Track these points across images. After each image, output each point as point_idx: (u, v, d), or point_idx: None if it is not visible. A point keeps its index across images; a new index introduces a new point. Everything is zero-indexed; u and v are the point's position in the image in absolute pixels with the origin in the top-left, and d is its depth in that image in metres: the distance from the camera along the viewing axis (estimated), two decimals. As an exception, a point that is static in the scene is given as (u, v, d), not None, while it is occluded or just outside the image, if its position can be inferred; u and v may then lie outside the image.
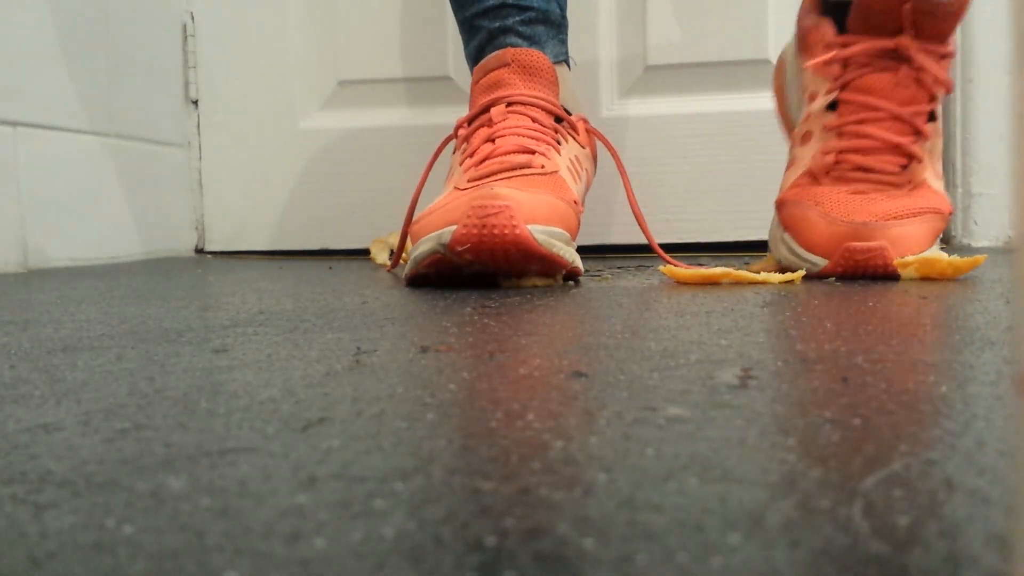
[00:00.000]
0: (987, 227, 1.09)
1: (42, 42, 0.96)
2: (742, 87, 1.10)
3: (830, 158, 0.73)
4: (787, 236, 0.73)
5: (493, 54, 0.78)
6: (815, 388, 0.29)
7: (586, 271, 0.75)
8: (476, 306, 0.54)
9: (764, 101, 1.09)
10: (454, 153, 0.79)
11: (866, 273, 0.67)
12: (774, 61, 1.09)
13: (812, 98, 0.77)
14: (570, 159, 0.76)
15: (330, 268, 0.93)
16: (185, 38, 1.22)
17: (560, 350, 0.37)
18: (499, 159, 0.71)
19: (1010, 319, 0.44)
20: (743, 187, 1.09)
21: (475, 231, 0.60)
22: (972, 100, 1.08)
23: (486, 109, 0.77)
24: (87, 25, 1.04)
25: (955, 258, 0.65)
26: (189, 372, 0.34)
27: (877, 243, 0.66)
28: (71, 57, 1.01)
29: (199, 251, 1.24)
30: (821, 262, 0.69)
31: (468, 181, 0.70)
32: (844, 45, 0.73)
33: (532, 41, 0.80)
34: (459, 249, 0.61)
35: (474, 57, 0.83)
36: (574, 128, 0.78)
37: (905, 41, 0.71)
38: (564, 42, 0.84)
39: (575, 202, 0.70)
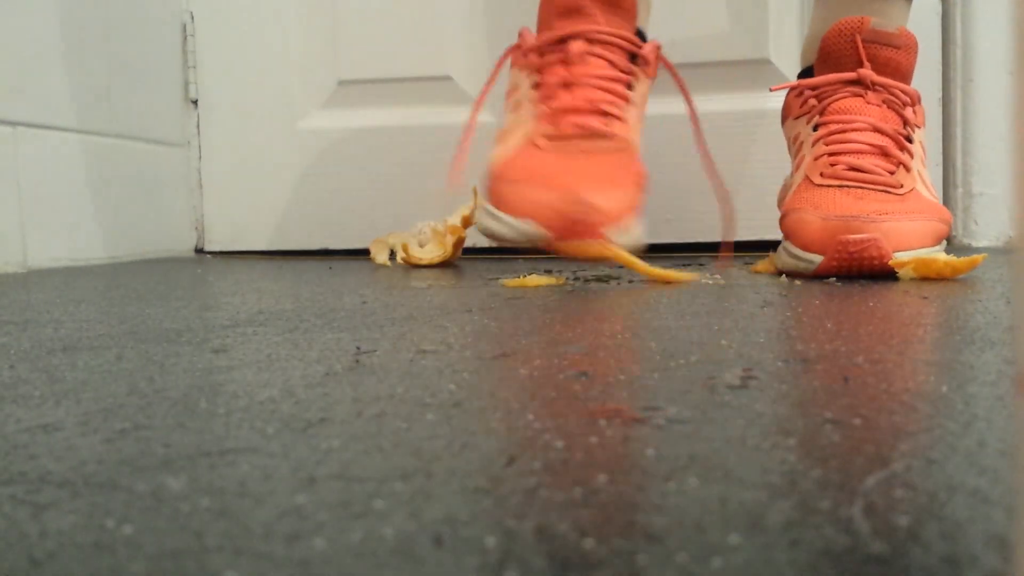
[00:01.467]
0: (987, 227, 1.08)
1: (42, 42, 0.96)
2: (742, 87, 1.10)
3: (823, 160, 0.74)
4: (787, 243, 0.74)
5: None
6: (815, 388, 0.29)
7: (587, 272, 0.75)
8: (476, 306, 0.54)
9: (764, 101, 1.09)
10: (516, 70, 0.78)
11: (862, 267, 0.67)
12: (774, 61, 1.09)
13: (796, 139, 0.80)
14: (640, 103, 0.77)
15: (330, 268, 0.93)
16: (185, 38, 1.22)
17: (560, 350, 0.37)
18: (576, 119, 0.72)
19: (1010, 319, 0.44)
20: (743, 187, 1.09)
21: (562, 233, 0.65)
22: (972, 100, 1.08)
23: (563, 40, 0.75)
24: (87, 25, 1.04)
25: (953, 258, 0.65)
26: (189, 372, 0.34)
27: (869, 235, 0.66)
28: (71, 57, 1.01)
29: (199, 251, 1.24)
30: (817, 259, 0.69)
31: (545, 138, 0.71)
32: (815, 86, 0.78)
33: None
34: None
35: None
36: (646, 61, 0.78)
37: (865, 71, 0.75)
38: None
39: (639, 174, 0.72)
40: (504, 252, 1.13)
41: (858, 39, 0.75)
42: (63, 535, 0.18)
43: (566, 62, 0.74)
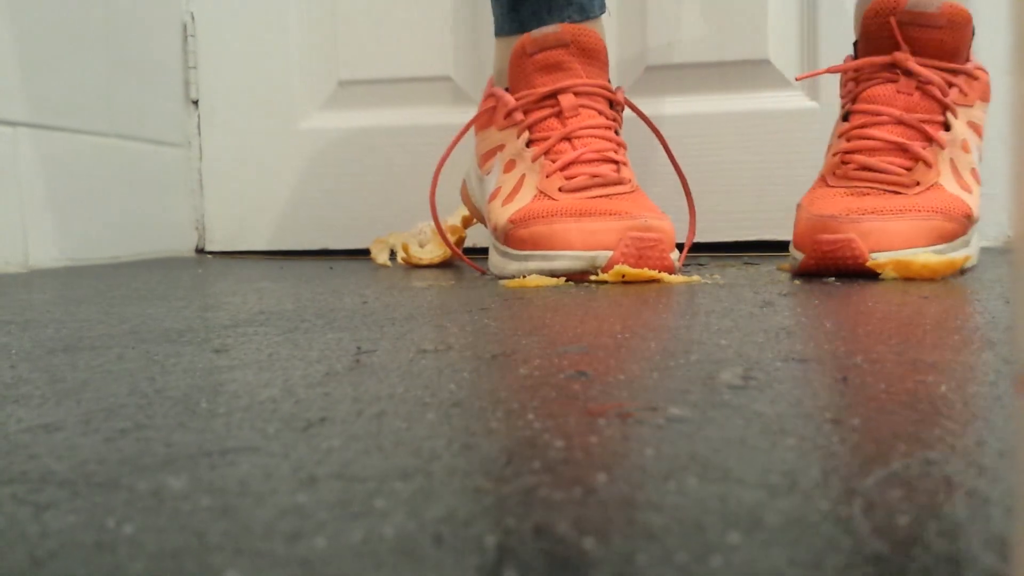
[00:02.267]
0: (987, 227, 1.08)
1: (42, 42, 0.96)
2: (742, 87, 1.10)
3: (836, 159, 0.74)
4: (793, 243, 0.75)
5: (549, 30, 0.76)
6: (814, 388, 0.29)
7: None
8: (476, 306, 0.54)
9: (764, 101, 1.09)
10: (495, 131, 0.78)
11: (837, 266, 0.67)
12: (774, 61, 1.09)
13: (833, 133, 0.80)
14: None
15: (330, 268, 0.93)
16: (185, 38, 1.22)
17: (560, 350, 0.37)
18: (587, 169, 0.73)
19: (1009, 319, 0.44)
20: (742, 187, 1.09)
21: (632, 260, 0.67)
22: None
23: (551, 96, 0.76)
24: (87, 25, 1.04)
25: (932, 259, 0.64)
26: (189, 372, 0.34)
27: (844, 235, 0.66)
28: (71, 57, 1.01)
29: (199, 251, 1.24)
30: (799, 256, 0.70)
31: (560, 191, 0.72)
32: (848, 71, 0.77)
33: None
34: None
35: (510, 6, 0.81)
36: (620, 106, 0.79)
37: (900, 55, 0.74)
38: None
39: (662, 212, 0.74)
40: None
41: (892, 21, 0.74)
42: (64, 534, 0.18)
43: (560, 116, 0.76)
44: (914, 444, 0.23)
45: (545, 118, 0.76)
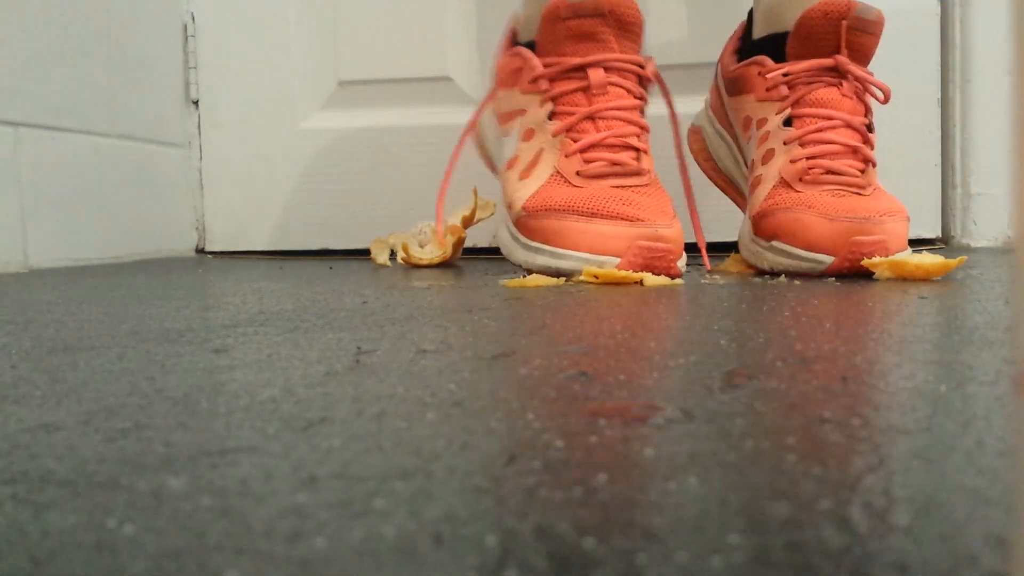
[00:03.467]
0: (987, 227, 1.09)
1: (42, 42, 0.96)
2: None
3: (800, 164, 0.74)
4: (778, 243, 0.73)
5: None
6: (814, 388, 0.29)
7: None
8: (476, 306, 0.54)
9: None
10: (518, 93, 0.76)
11: (861, 266, 0.69)
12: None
13: (760, 124, 0.78)
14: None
15: (330, 268, 0.93)
16: (185, 38, 1.22)
17: (560, 350, 0.37)
18: (607, 155, 0.72)
19: (1009, 319, 0.44)
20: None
21: (638, 269, 0.67)
22: (972, 100, 1.08)
23: (579, 68, 0.73)
24: (87, 25, 1.04)
25: (926, 260, 0.65)
26: (190, 372, 0.34)
27: (879, 236, 0.68)
28: (71, 57, 1.01)
29: (199, 251, 1.24)
30: (826, 259, 0.70)
31: (578, 175, 0.71)
32: (787, 72, 0.76)
33: None
34: None
35: None
36: (650, 80, 0.77)
37: (843, 59, 0.75)
38: None
39: (672, 204, 0.74)
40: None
41: (843, 25, 0.74)
42: (64, 534, 0.18)
43: (586, 91, 0.73)
44: (913, 444, 0.23)
45: (571, 92, 0.73)
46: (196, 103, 1.23)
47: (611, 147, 0.73)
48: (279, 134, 1.20)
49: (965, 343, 0.38)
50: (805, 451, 0.22)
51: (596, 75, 0.73)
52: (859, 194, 0.72)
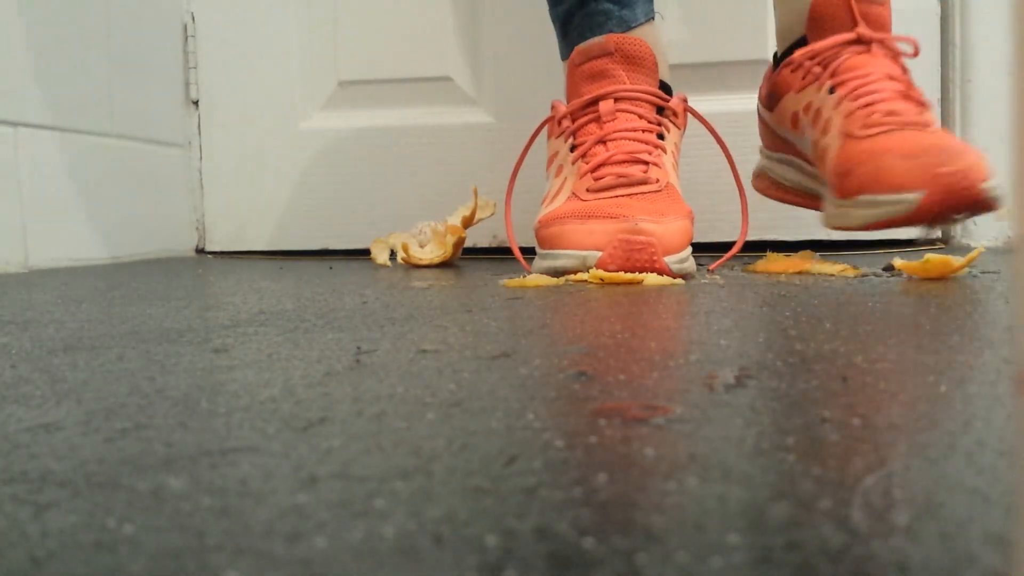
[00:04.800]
0: (987, 227, 1.09)
1: (42, 42, 0.96)
2: (742, 87, 1.10)
3: (860, 113, 0.73)
4: (864, 196, 0.70)
5: (595, 41, 0.79)
6: (815, 388, 0.29)
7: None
8: (476, 306, 0.54)
9: (764, 101, 1.09)
10: (553, 139, 0.82)
11: (962, 201, 0.67)
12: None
13: (807, 109, 0.80)
14: (672, 151, 0.80)
15: (330, 268, 0.93)
16: (185, 38, 1.22)
17: (560, 350, 0.37)
18: (616, 169, 0.75)
19: (1009, 319, 0.44)
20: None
21: (619, 261, 0.68)
22: (972, 100, 1.08)
23: (593, 103, 0.79)
24: (87, 25, 1.04)
25: (950, 258, 0.66)
26: (190, 372, 0.34)
27: (962, 166, 0.66)
28: (71, 57, 1.01)
29: (199, 251, 1.24)
30: (913, 196, 0.67)
31: (588, 191, 0.74)
32: (813, 53, 0.79)
33: (622, 5, 0.81)
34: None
35: (562, 20, 0.84)
36: (674, 112, 0.81)
37: (863, 29, 0.77)
38: None
39: (689, 212, 0.75)
40: (504, 252, 1.13)
41: (852, 1, 0.77)
42: (64, 534, 0.18)
43: (599, 121, 0.78)
44: (914, 444, 0.23)
45: (586, 123, 0.79)
46: (196, 103, 1.23)
47: (619, 163, 0.76)
48: (279, 134, 1.20)
49: (966, 343, 0.38)
50: (805, 451, 0.22)
51: (606, 105, 0.78)
52: (923, 131, 0.71)
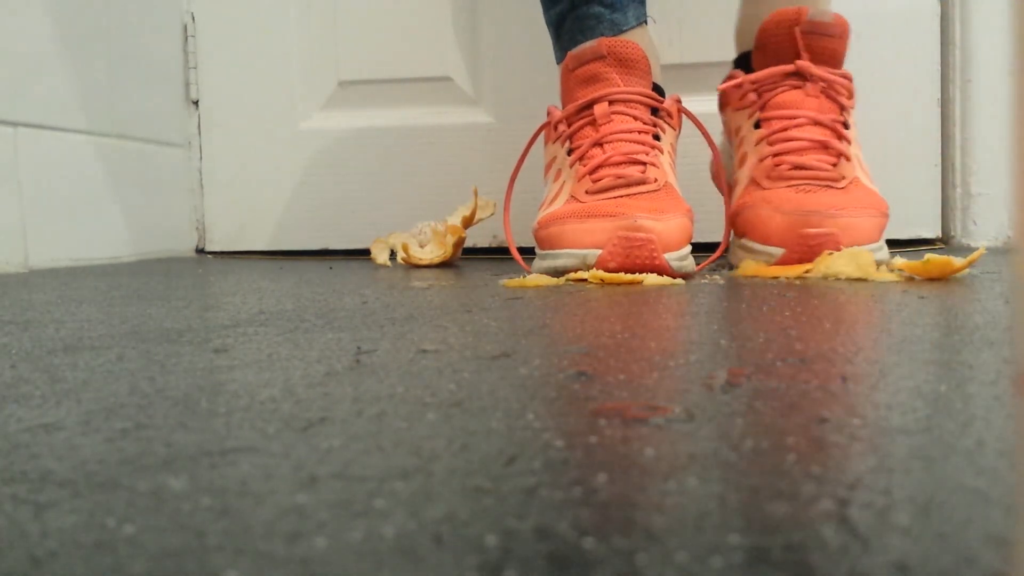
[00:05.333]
0: (987, 227, 1.09)
1: (42, 42, 0.96)
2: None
3: (768, 162, 0.76)
4: (744, 240, 0.76)
5: (587, 45, 0.80)
6: (815, 388, 0.29)
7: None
8: (476, 306, 0.54)
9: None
10: (550, 144, 0.83)
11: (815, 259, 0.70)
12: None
13: (736, 132, 0.83)
14: (668, 151, 0.81)
15: (330, 268, 0.93)
16: (185, 38, 1.22)
17: (560, 350, 0.37)
18: (613, 170, 0.76)
19: (1009, 319, 0.44)
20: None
21: (619, 259, 0.69)
22: (972, 100, 1.08)
23: (588, 106, 0.79)
24: (87, 25, 1.04)
25: (951, 259, 0.65)
26: (190, 372, 0.34)
27: (828, 229, 0.69)
28: (71, 57, 1.01)
29: (199, 251, 1.24)
30: (777, 251, 0.72)
31: (587, 193, 0.75)
32: (754, 80, 0.81)
33: (613, 8, 0.82)
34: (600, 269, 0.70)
35: (555, 24, 0.85)
36: (669, 113, 0.82)
37: (803, 62, 0.78)
38: (643, 0, 0.85)
39: (689, 210, 0.76)
40: (504, 252, 1.13)
41: (796, 31, 0.78)
42: (64, 534, 0.18)
43: (594, 124, 0.79)
44: (913, 444, 0.23)
45: (582, 127, 0.79)
46: (196, 103, 1.23)
47: (617, 164, 0.76)
48: (279, 134, 1.20)
49: (965, 343, 0.38)
50: (805, 451, 0.22)
51: (600, 107, 0.79)
52: (830, 187, 0.73)
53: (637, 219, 0.69)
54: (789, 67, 0.78)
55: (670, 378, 0.31)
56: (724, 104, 0.86)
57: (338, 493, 0.20)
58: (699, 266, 0.79)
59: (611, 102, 0.79)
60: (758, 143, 0.78)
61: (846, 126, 0.78)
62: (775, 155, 0.76)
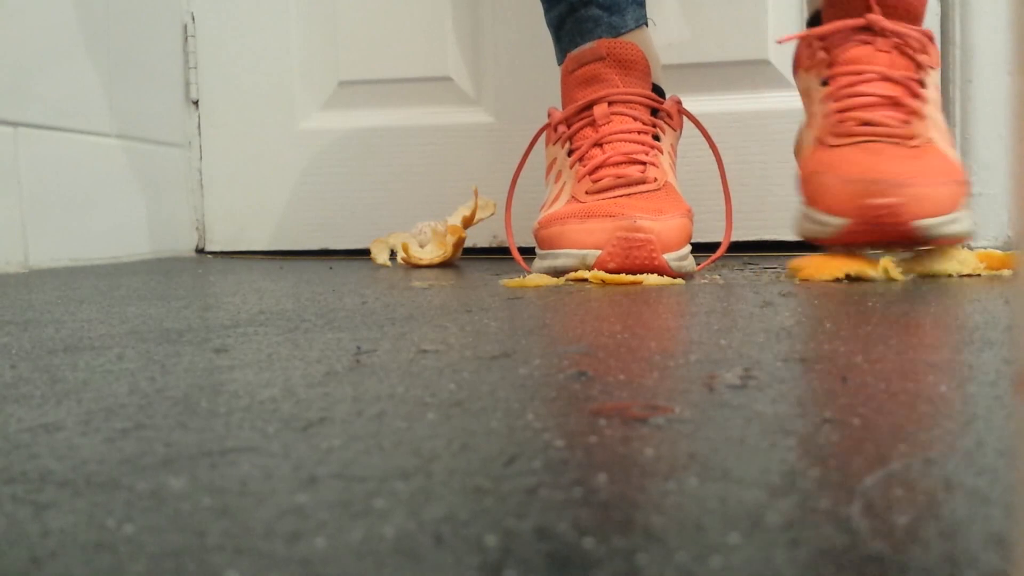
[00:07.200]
0: (987, 227, 1.09)
1: (42, 42, 0.96)
2: (742, 87, 1.10)
3: (833, 118, 0.72)
4: (809, 210, 0.70)
5: (587, 47, 0.80)
6: (815, 388, 0.29)
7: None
8: (476, 306, 0.54)
9: (764, 101, 1.09)
10: (550, 145, 0.83)
11: (885, 235, 0.65)
12: (773, 61, 1.09)
13: (806, 93, 0.79)
14: (669, 152, 0.80)
15: (330, 268, 0.93)
16: (185, 38, 1.22)
17: (560, 350, 0.37)
18: (613, 171, 0.76)
19: (1009, 319, 0.44)
20: (743, 187, 1.09)
21: (618, 259, 0.68)
22: (972, 100, 1.08)
23: (588, 107, 0.79)
24: (87, 25, 1.04)
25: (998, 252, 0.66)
26: (190, 372, 0.34)
27: (894, 199, 0.64)
28: (71, 57, 1.01)
29: (199, 251, 1.24)
30: (838, 222, 0.66)
31: (587, 194, 0.75)
32: (822, 35, 0.76)
33: (612, 11, 0.81)
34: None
35: (555, 26, 0.85)
36: (669, 114, 0.81)
37: (874, 16, 0.73)
38: (642, 3, 0.84)
39: (688, 209, 0.75)
40: (504, 252, 1.13)
41: None
42: (64, 534, 0.18)
43: (594, 125, 0.79)
44: (914, 444, 0.23)
45: (582, 128, 0.79)
46: (196, 103, 1.23)
47: (616, 164, 0.76)
48: (279, 134, 1.20)
49: (966, 343, 0.38)
50: (805, 451, 0.22)
51: (600, 108, 0.79)
52: (900, 145, 0.68)
53: (636, 219, 0.68)
54: (859, 20, 0.73)
55: (670, 378, 0.31)
56: (796, 67, 0.81)
57: (338, 493, 0.20)
58: (699, 266, 0.79)
59: (611, 103, 0.79)
60: (823, 100, 0.74)
61: (923, 84, 0.72)
62: (841, 111, 0.71)
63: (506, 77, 1.16)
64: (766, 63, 1.09)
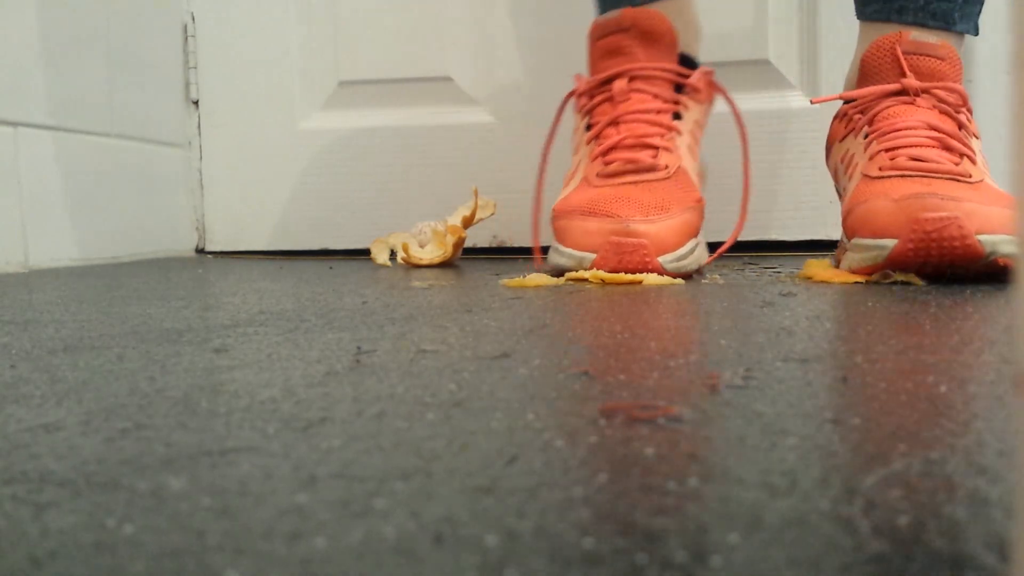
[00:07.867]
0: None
1: (42, 42, 0.96)
2: (742, 87, 1.10)
3: (881, 156, 0.69)
4: (854, 240, 0.67)
5: (611, 15, 0.78)
6: (814, 388, 0.29)
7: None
8: (476, 306, 0.54)
9: (764, 101, 1.09)
10: (575, 113, 0.82)
11: (941, 250, 0.60)
12: (774, 61, 1.09)
13: (844, 157, 0.76)
14: (691, 130, 0.78)
15: (330, 268, 0.93)
16: (185, 38, 1.22)
17: (560, 350, 0.37)
18: (625, 154, 0.75)
19: (1009, 319, 0.44)
20: (740, 187, 1.09)
21: (612, 263, 0.68)
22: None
23: (608, 80, 0.78)
24: (87, 25, 1.04)
25: None
26: (190, 372, 0.34)
27: (948, 213, 0.59)
28: (71, 57, 1.01)
29: (199, 251, 1.24)
30: (890, 243, 0.62)
31: (598, 176, 0.74)
32: (857, 98, 0.74)
33: None
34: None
35: None
36: (696, 88, 0.79)
37: (909, 81, 0.72)
38: None
39: (698, 200, 0.74)
40: (504, 252, 1.13)
41: (898, 50, 0.73)
42: (64, 534, 0.18)
43: (612, 100, 0.77)
44: (914, 444, 0.23)
45: (601, 103, 0.78)
46: (196, 103, 1.23)
47: (629, 147, 0.75)
48: (279, 134, 1.20)
49: (966, 343, 0.38)
50: (805, 451, 0.22)
51: (619, 84, 0.77)
52: (956, 181, 0.64)
53: (629, 224, 0.68)
54: (894, 85, 0.72)
55: (671, 378, 0.31)
56: (830, 144, 0.79)
57: (338, 493, 0.20)
58: (708, 259, 0.78)
59: (631, 78, 0.77)
60: (867, 146, 0.71)
61: (969, 145, 0.70)
62: (888, 149, 0.68)
63: (506, 77, 1.16)
64: (766, 63, 1.09)
